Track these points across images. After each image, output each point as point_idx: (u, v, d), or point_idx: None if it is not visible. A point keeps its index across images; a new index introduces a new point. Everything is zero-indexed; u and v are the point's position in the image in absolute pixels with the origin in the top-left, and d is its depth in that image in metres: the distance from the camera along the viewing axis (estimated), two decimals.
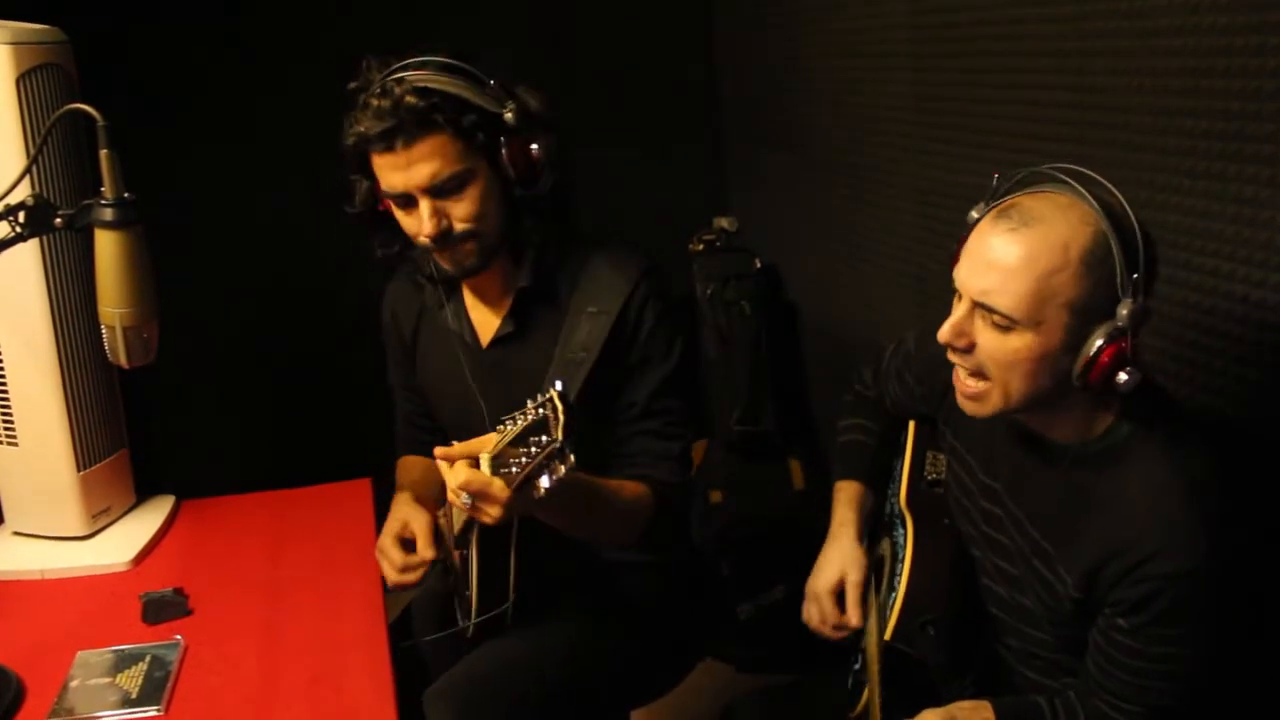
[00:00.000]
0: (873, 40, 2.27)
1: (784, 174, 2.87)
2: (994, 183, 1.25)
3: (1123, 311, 1.12)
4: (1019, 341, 1.16)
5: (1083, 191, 1.14)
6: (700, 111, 3.19)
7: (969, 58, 1.91)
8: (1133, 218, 1.13)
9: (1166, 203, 1.44)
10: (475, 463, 1.27)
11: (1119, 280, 1.12)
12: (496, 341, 1.64)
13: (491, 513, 1.30)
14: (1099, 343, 1.13)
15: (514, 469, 1.23)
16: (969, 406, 1.27)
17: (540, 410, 1.20)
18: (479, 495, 1.29)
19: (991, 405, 1.23)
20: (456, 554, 1.60)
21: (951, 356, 1.25)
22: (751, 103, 3.04)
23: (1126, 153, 1.51)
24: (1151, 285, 1.15)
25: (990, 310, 1.17)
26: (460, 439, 1.56)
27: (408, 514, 1.59)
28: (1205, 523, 1.14)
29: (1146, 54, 1.44)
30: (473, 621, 1.54)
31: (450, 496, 1.32)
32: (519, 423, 1.23)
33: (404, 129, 1.43)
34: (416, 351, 1.77)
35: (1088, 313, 1.13)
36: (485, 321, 1.66)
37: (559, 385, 1.20)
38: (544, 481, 1.21)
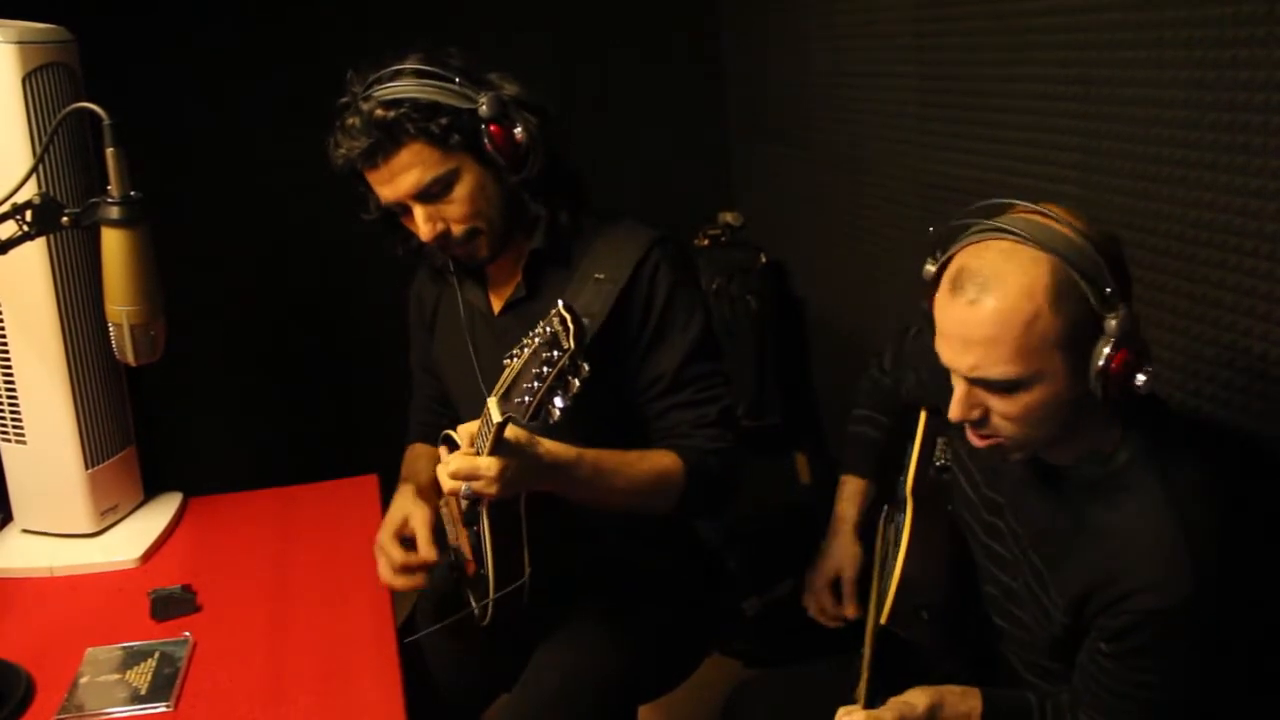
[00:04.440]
0: (877, 35, 2.26)
1: (789, 169, 2.87)
2: (931, 235, 1.24)
3: (1112, 323, 1.10)
4: (1030, 397, 1.15)
5: (1017, 231, 1.13)
6: (706, 107, 3.19)
7: (973, 51, 1.90)
8: (1077, 231, 1.12)
9: (1172, 195, 1.43)
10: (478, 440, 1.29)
11: (1093, 300, 1.11)
12: (508, 307, 1.65)
13: (489, 490, 1.31)
14: (1104, 356, 1.11)
15: (526, 399, 1.21)
16: (988, 452, 1.26)
17: (547, 328, 1.19)
18: (470, 477, 1.30)
19: (1016, 455, 1.24)
20: (464, 534, 1.59)
21: (970, 432, 1.24)
22: (757, 98, 3.03)
23: (1131, 145, 1.50)
24: (1127, 287, 1.14)
25: (988, 382, 1.16)
26: (467, 413, 1.57)
27: (408, 509, 1.58)
28: (1193, 563, 1.13)
29: (1151, 45, 1.44)
30: (492, 598, 1.51)
31: (448, 489, 1.34)
32: (525, 351, 1.21)
33: (380, 145, 1.45)
34: (434, 331, 1.78)
35: (1079, 341, 1.12)
36: (500, 290, 1.67)
37: (561, 302, 1.19)
38: (558, 402, 1.18)
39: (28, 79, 1.53)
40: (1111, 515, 1.20)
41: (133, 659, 1.44)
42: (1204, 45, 1.34)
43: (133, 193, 1.40)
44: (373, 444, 1.98)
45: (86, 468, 1.72)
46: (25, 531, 1.78)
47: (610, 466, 1.48)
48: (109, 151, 1.36)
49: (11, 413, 1.69)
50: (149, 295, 1.44)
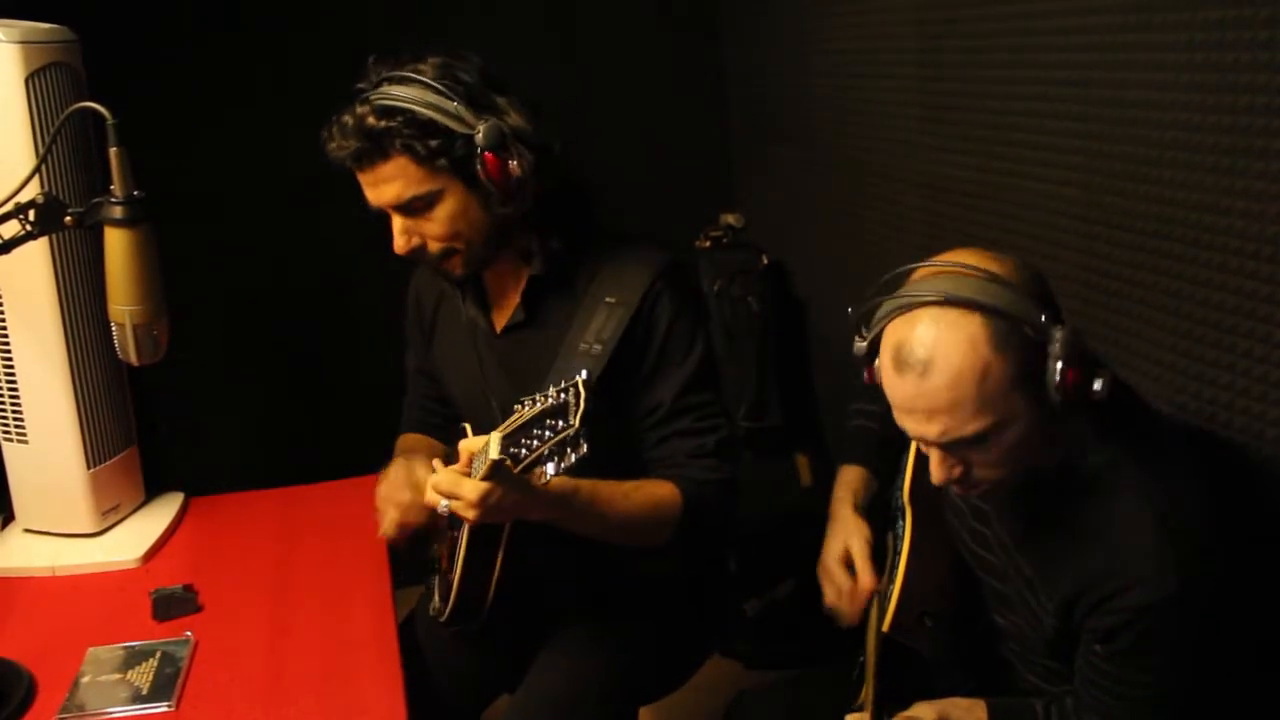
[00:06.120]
0: (877, 35, 2.26)
1: (791, 170, 2.87)
2: (851, 315, 1.24)
3: (1056, 347, 1.12)
4: (1004, 440, 1.16)
5: (936, 295, 1.14)
6: (707, 108, 3.19)
7: (974, 52, 1.90)
8: (989, 275, 1.13)
9: (1172, 197, 1.44)
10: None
11: (1031, 332, 1.12)
12: (509, 329, 1.64)
13: (467, 514, 1.31)
14: (1058, 373, 1.12)
15: (523, 450, 1.22)
16: (983, 494, 1.28)
17: (562, 395, 1.20)
18: (451, 495, 1.30)
19: (1008, 490, 1.25)
20: (450, 534, 1.59)
21: (958, 489, 1.25)
22: (759, 99, 3.04)
23: (1131, 146, 1.50)
24: (1056, 308, 1.17)
25: (961, 443, 1.17)
26: (471, 424, 1.56)
27: (412, 463, 1.56)
28: (1177, 558, 1.13)
29: (1152, 47, 1.44)
30: (449, 607, 1.54)
31: (427, 501, 1.34)
32: (537, 405, 1.22)
33: (366, 152, 1.43)
34: (434, 336, 1.77)
35: (1030, 374, 1.13)
36: (500, 309, 1.66)
37: (584, 374, 1.20)
38: (549, 469, 1.19)
39: (31, 79, 1.53)
40: (1094, 517, 1.20)
41: (134, 659, 1.44)
42: (1205, 48, 1.35)
43: (135, 192, 1.40)
44: (372, 444, 1.98)
45: (88, 467, 1.72)
46: (27, 531, 1.78)
47: (606, 497, 1.47)
48: (112, 151, 1.37)
49: (14, 412, 1.69)
50: (152, 295, 1.45)
